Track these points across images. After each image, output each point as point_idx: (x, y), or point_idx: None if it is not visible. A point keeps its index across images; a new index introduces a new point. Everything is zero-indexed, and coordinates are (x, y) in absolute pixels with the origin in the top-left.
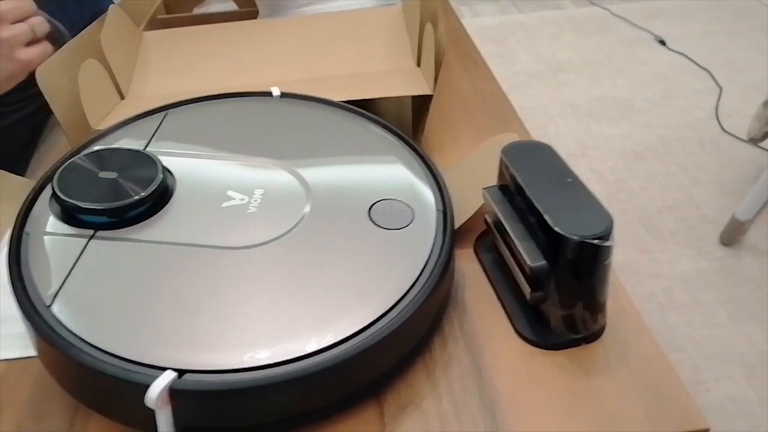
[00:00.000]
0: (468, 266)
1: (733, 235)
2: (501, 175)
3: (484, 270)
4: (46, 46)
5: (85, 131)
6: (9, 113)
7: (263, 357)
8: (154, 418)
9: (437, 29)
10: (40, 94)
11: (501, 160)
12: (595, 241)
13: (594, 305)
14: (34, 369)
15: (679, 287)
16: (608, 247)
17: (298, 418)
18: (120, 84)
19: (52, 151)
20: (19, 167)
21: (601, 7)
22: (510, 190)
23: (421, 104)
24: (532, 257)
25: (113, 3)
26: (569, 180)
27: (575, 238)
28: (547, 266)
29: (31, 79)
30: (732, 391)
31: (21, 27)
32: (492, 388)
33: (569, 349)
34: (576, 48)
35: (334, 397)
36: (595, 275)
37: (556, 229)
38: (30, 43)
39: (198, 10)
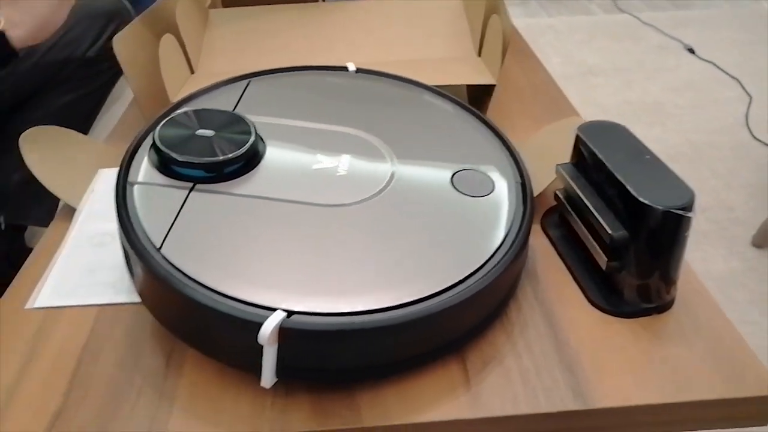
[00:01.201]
0: (537, 241)
1: (766, 237)
2: (576, 152)
3: (553, 244)
4: None
5: (157, 101)
6: (74, 88)
7: (363, 304)
8: (256, 356)
9: (503, 20)
10: (102, 73)
11: (578, 138)
12: (679, 212)
13: (669, 276)
14: (125, 314)
15: (711, 286)
16: (689, 218)
17: (389, 366)
18: (191, 58)
19: (111, 125)
20: None
21: (630, 15)
22: (585, 167)
23: (478, 92)
24: (612, 227)
25: None
26: (647, 157)
27: (660, 207)
28: (628, 236)
29: (97, 56)
30: None
31: None
32: (570, 350)
33: (641, 318)
34: (605, 53)
35: (423, 348)
36: (674, 246)
37: (641, 199)
38: None
39: None
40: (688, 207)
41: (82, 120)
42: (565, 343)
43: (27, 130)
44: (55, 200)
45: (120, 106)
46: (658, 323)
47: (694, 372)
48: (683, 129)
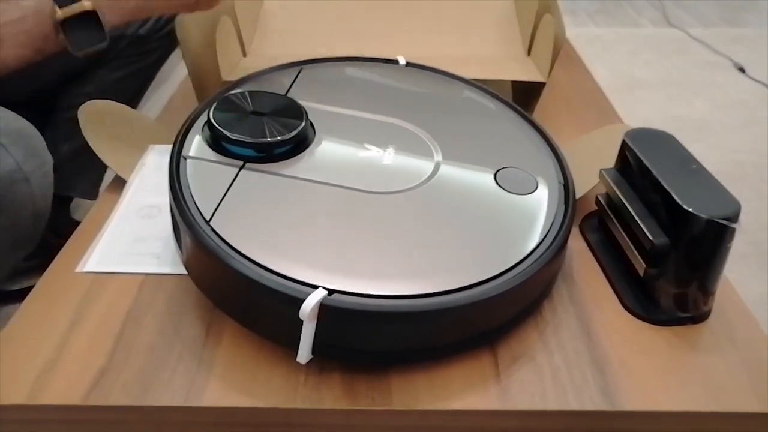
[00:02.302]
0: (574, 244)
1: None
2: (621, 158)
3: (591, 248)
4: None
5: (209, 80)
6: (125, 65)
7: (402, 288)
8: (295, 332)
9: (556, 21)
10: (152, 51)
11: (624, 144)
12: (723, 221)
13: (708, 286)
14: (168, 284)
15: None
16: (733, 229)
17: (421, 352)
18: (244, 42)
19: (158, 104)
20: None
21: (679, 29)
22: (629, 173)
23: (524, 94)
24: (654, 234)
25: None
26: (694, 166)
27: (704, 216)
28: (669, 243)
29: (147, 35)
30: None
31: None
32: (601, 351)
33: (676, 327)
34: (652, 66)
35: (456, 337)
36: (715, 257)
37: (685, 206)
38: None
39: None
40: (733, 218)
41: (130, 96)
42: (598, 345)
43: (85, 102)
44: (101, 174)
45: (167, 86)
46: (692, 333)
47: (727, 384)
48: (727, 147)
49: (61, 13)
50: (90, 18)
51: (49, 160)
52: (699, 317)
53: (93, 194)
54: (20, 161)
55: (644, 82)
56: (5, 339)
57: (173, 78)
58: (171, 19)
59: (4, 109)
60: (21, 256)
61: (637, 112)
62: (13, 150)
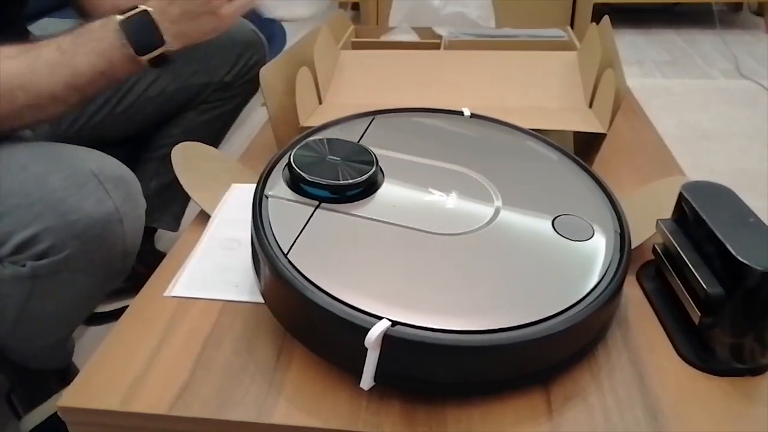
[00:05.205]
0: (631, 291)
1: None
2: (678, 209)
3: (647, 296)
4: (244, 1)
5: (288, 126)
6: (210, 109)
7: (460, 324)
8: (359, 359)
9: (617, 75)
10: (235, 96)
11: (681, 195)
12: None
13: (766, 338)
14: (244, 311)
15: None
16: None
17: (477, 386)
18: (321, 91)
19: (237, 145)
20: None
21: (753, 81)
22: (686, 223)
23: (585, 144)
24: (708, 283)
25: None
26: (751, 220)
27: (759, 268)
28: (723, 293)
29: (232, 82)
30: None
31: None
32: (654, 397)
33: (732, 378)
34: (723, 118)
35: (510, 373)
36: None
37: (740, 258)
38: None
39: (385, 38)
40: None
41: (214, 137)
42: (651, 391)
43: (178, 144)
44: (183, 209)
45: (244, 128)
46: (749, 384)
47: None
48: None
49: (121, 16)
50: (145, 18)
51: (142, 204)
52: (757, 369)
53: (175, 227)
54: (118, 205)
55: (713, 134)
56: (102, 353)
57: (249, 121)
58: (253, 67)
59: (109, 156)
60: (112, 288)
61: (705, 163)
62: (114, 194)
